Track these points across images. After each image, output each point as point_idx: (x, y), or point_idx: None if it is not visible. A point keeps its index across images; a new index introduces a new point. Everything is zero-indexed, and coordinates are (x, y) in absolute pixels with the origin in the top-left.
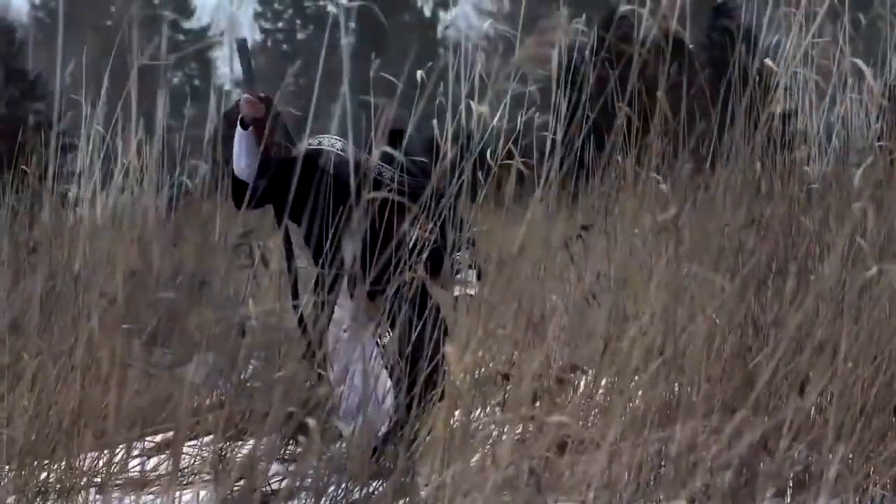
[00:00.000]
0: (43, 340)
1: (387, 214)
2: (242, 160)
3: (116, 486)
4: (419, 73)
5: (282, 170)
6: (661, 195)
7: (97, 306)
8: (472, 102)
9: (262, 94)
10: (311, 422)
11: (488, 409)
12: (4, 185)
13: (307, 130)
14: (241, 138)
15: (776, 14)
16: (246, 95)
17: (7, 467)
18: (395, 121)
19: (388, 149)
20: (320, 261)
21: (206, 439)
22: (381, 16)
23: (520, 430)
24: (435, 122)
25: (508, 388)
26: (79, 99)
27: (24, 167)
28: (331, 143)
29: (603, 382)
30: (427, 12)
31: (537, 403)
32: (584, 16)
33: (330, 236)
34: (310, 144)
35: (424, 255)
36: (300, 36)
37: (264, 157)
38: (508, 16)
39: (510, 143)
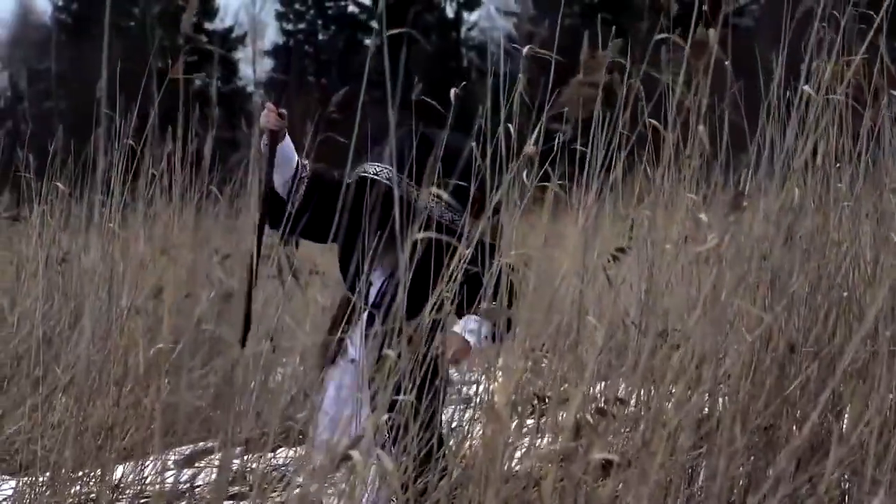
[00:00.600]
0: (75, 353)
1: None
2: (276, 177)
3: (147, 497)
4: (453, 90)
5: (326, 197)
6: (700, 222)
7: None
8: (510, 127)
9: (283, 111)
10: (356, 454)
11: (526, 433)
12: (33, 194)
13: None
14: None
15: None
16: (268, 104)
17: (41, 480)
18: (446, 149)
19: (443, 193)
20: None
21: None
22: (423, 40)
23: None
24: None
25: (544, 408)
26: (111, 113)
27: (57, 183)
28: (377, 171)
29: (634, 401)
30: (450, 13)
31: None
32: (613, 31)
33: (364, 268)
34: (364, 172)
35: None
36: (322, 37)
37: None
38: (532, 19)
39: (546, 165)
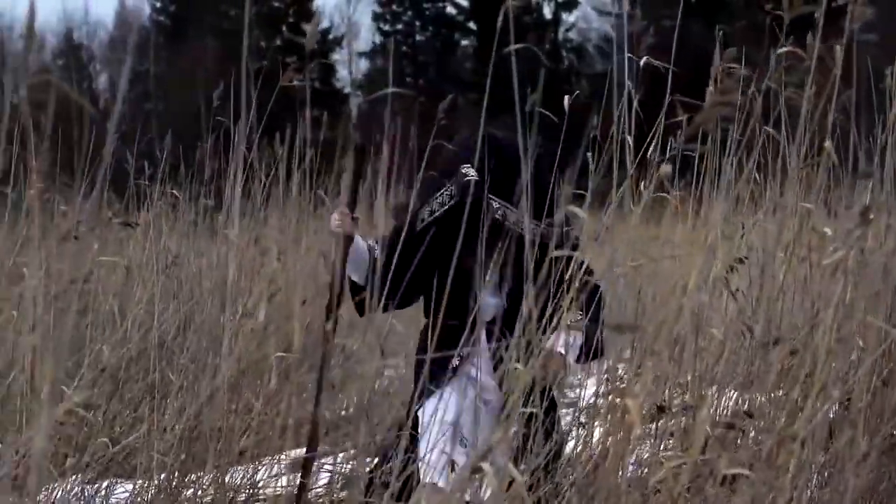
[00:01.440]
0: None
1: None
2: (353, 273)
3: (260, 500)
4: (566, 99)
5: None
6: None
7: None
8: (628, 138)
9: (356, 216)
10: (487, 466)
11: (649, 445)
12: (144, 198)
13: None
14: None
15: None
16: (342, 207)
17: (156, 483)
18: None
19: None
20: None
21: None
22: (543, 58)
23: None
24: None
25: (661, 421)
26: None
27: (174, 191)
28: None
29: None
30: (548, 13)
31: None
32: (721, 35)
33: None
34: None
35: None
36: (419, 38)
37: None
38: (634, 20)
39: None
